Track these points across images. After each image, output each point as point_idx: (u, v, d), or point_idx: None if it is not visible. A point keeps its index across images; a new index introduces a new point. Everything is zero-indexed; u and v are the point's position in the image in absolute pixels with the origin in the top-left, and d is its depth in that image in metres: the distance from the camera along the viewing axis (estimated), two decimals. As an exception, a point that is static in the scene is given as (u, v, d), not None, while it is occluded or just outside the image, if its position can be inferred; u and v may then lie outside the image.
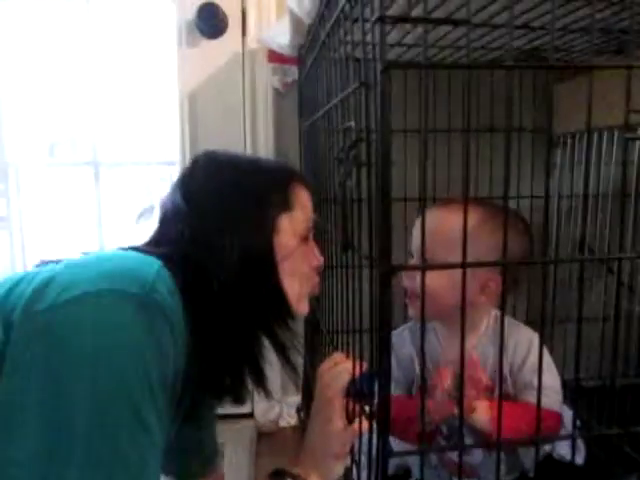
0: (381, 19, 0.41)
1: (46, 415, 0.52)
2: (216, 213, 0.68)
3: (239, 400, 0.74)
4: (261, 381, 0.73)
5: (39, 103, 1.39)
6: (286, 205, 0.72)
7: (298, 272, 0.71)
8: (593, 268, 1.23)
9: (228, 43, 1.24)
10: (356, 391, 0.67)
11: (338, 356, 0.72)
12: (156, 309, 0.56)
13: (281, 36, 0.98)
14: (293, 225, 0.72)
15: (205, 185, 0.71)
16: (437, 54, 1.12)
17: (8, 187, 1.33)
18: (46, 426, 0.52)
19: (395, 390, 0.87)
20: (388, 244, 0.42)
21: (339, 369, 0.68)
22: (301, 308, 0.74)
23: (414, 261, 0.85)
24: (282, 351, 0.73)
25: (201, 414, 0.84)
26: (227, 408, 1.10)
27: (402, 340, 0.91)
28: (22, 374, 0.53)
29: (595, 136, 1.13)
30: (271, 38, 1.06)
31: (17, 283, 0.59)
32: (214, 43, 1.24)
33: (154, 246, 0.69)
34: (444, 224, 0.77)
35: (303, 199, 0.74)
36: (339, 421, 0.67)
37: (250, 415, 1.41)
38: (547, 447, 0.87)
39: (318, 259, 0.75)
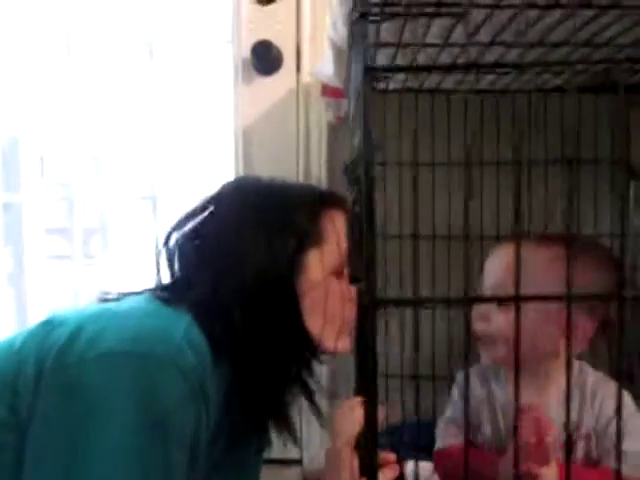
0: (363, 15, 0.36)
1: (66, 460, 0.54)
2: (233, 246, 0.66)
3: (285, 426, 0.74)
4: (283, 426, 0.71)
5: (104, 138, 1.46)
6: (315, 237, 0.68)
7: (324, 309, 0.67)
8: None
9: (283, 79, 1.24)
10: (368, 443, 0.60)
11: (355, 400, 0.66)
12: (177, 371, 0.57)
13: (327, 66, 0.96)
14: (324, 259, 0.68)
15: (226, 213, 0.69)
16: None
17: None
18: (55, 471, 0.54)
19: (458, 436, 0.83)
20: (373, 276, 0.37)
21: (351, 417, 0.62)
22: (335, 346, 0.70)
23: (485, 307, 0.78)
24: (305, 391, 0.71)
25: (245, 456, 0.83)
26: (275, 453, 1.08)
27: (472, 383, 0.86)
28: (47, 423, 0.56)
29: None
30: (320, 70, 1.05)
31: (60, 323, 0.61)
32: (269, 80, 1.24)
33: (180, 290, 0.69)
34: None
35: (338, 229, 0.70)
36: (346, 473, 0.61)
37: (298, 462, 1.36)
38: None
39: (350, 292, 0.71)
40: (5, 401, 0.58)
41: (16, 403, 0.57)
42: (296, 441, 0.74)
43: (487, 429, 0.81)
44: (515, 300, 0.43)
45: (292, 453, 1.31)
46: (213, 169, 1.38)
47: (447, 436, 0.87)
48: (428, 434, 1.17)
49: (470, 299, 0.43)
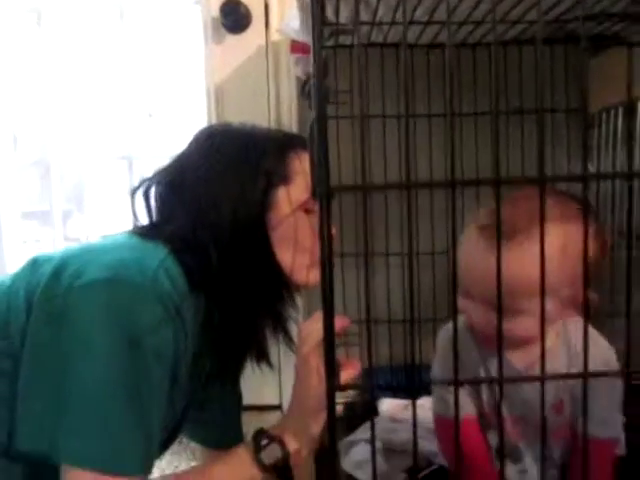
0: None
1: (52, 383, 0.60)
2: (207, 188, 0.70)
3: (262, 357, 0.77)
4: (261, 352, 0.75)
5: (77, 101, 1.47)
6: (283, 176, 0.72)
7: (293, 242, 0.71)
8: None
9: (252, 37, 1.27)
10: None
11: (318, 314, 0.71)
12: (154, 296, 0.61)
13: (294, 21, 0.99)
14: (292, 195, 0.72)
15: (199, 158, 0.73)
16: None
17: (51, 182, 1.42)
18: (51, 393, 0.60)
19: (465, 406, 0.74)
20: (326, 166, 0.41)
21: (314, 326, 0.67)
22: (306, 278, 0.74)
23: (476, 307, 0.68)
24: (277, 320, 0.74)
25: (223, 387, 0.89)
26: (254, 399, 1.14)
27: (463, 341, 0.75)
28: (37, 350, 0.61)
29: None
30: (287, 25, 1.07)
31: (45, 261, 0.66)
32: (238, 38, 1.27)
33: (159, 227, 0.72)
34: (524, 263, 0.61)
35: (304, 168, 0.74)
36: (314, 377, 0.66)
37: (278, 407, 1.41)
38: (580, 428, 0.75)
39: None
40: None
41: (9, 332, 0.62)
42: (271, 366, 0.78)
43: (485, 394, 0.76)
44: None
45: (271, 399, 1.38)
46: (187, 127, 1.41)
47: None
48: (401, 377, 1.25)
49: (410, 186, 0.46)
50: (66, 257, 0.65)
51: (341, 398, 1.26)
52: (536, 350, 0.67)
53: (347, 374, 0.67)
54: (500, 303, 0.45)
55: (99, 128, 1.46)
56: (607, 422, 0.71)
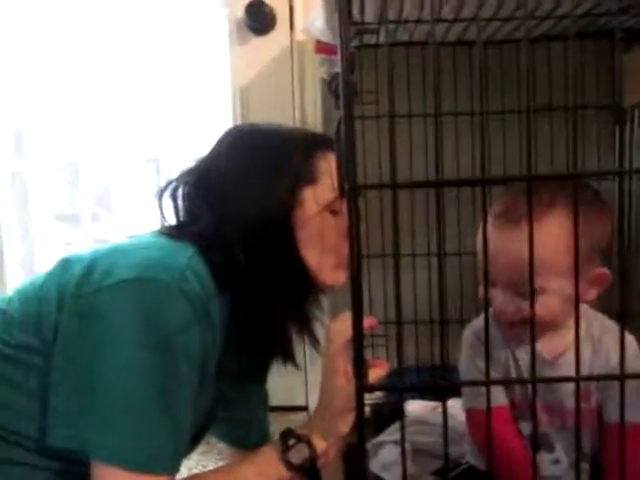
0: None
1: (85, 381, 0.60)
2: (233, 187, 0.70)
3: (288, 357, 0.77)
4: (287, 352, 0.75)
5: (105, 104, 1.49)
6: (309, 176, 0.72)
7: (319, 243, 0.71)
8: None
9: (277, 38, 1.27)
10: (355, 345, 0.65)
11: (345, 314, 0.71)
12: (182, 295, 0.61)
13: (318, 20, 0.99)
14: (318, 196, 0.72)
15: (226, 158, 0.73)
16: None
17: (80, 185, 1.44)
18: (83, 391, 0.60)
19: (497, 397, 0.73)
20: (353, 163, 0.41)
21: (342, 326, 0.67)
22: (332, 278, 0.74)
23: (500, 293, 0.70)
24: (302, 321, 0.74)
25: (250, 387, 0.89)
26: (281, 400, 1.14)
27: (490, 335, 0.75)
28: (69, 349, 0.62)
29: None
30: (312, 25, 1.07)
31: (77, 261, 0.67)
32: (263, 39, 1.27)
33: (186, 226, 0.73)
34: (547, 244, 0.64)
35: (331, 168, 0.73)
36: (341, 377, 0.65)
37: (305, 408, 1.40)
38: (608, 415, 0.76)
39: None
40: (31, 328, 0.64)
41: (41, 329, 0.63)
42: (297, 367, 0.77)
43: (516, 388, 0.77)
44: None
45: (298, 400, 1.38)
46: (212, 129, 1.42)
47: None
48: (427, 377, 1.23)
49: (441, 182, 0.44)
50: (96, 257, 0.66)
51: (368, 399, 1.25)
52: (563, 339, 0.74)
53: (375, 374, 0.66)
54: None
55: (126, 131, 1.48)
56: (637, 406, 0.68)
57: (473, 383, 0.73)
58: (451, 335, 1.09)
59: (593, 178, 1.12)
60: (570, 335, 0.73)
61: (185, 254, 0.64)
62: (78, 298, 0.62)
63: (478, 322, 0.81)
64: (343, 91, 0.47)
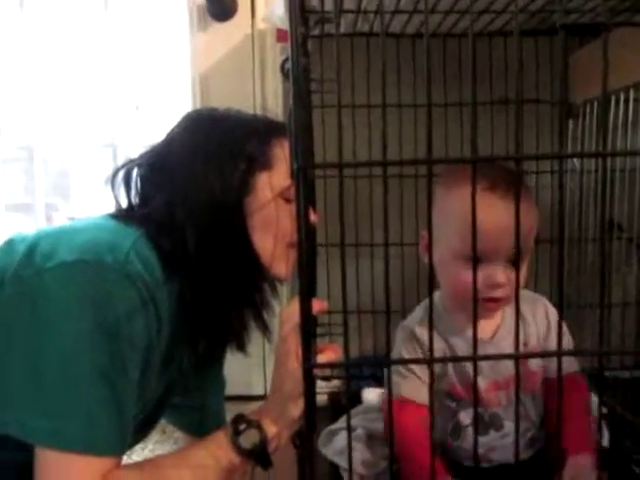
0: None
1: (24, 364, 0.59)
2: (186, 170, 0.69)
3: (241, 346, 0.77)
4: (238, 340, 0.74)
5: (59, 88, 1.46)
6: (264, 162, 0.72)
7: (273, 229, 0.71)
8: (622, 249, 1.16)
9: (238, 25, 1.25)
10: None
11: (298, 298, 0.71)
12: (125, 278, 0.60)
13: (278, 8, 0.99)
14: (272, 182, 0.72)
15: (181, 141, 0.72)
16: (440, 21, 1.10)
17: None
18: (22, 374, 0.59)
19: (420, 391, 0.74)
20: (306, 143, 0.41)
21: (294, 309, 0.67)
22: (278, 270, 0.73)
23: (491, 266, 0.70)
24: (253, 309, 0.73)
25: (206, 375, 0.90)
26: (240, 389, 1.13)
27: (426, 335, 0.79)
28: (8, 330, 0.60)
29: (613, 100, 1.06)
30: (272, 13, 1.07)
31: (20, 241, 0.66)
32: (224, 26, 1.26)
33: (135, 210, 0.71)
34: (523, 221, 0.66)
35: (287, 155, 0.73)
36: (293, 360, 0.66)
37: (263, 397, 1.38)
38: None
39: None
40: None
41: None
42: (245, 354, 0.77)
43: (454, 378, 0.78)
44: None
45: (256, 389, 1.38)
46: (171, 115, 1.40)
47: (410, 389, 0.76)
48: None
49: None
50: (39, 237, 0.64)
51: (326, 388, 1.26)
52: (496, 319, 0.78)
53: (326, 357, 0.67)
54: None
55: (82, 116, 1.45)
56: (571, 359, 0.79)
57: (415, 361, 0.74)
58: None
59: (532, 171, 1.18)
60: (497, 319, 0.79)
61: (131, 237, 0.63)
62: (19, 279, 0.61)
63: (412, 318, 0.83)
64: (292, 70, 0.47)
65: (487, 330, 0.79)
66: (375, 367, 1.19)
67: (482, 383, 0.77)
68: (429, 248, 0.66)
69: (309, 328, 0.47)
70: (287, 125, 0.75)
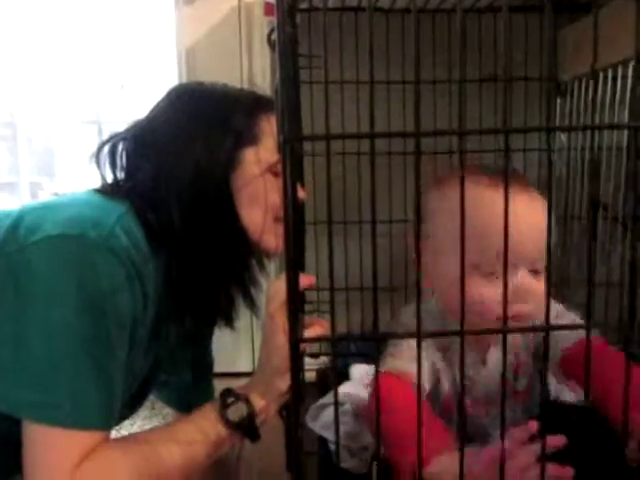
0: None
1: (9, 338, 0.58)
2: (172, 144, 0.68)
3: (229, 322, 0.77)
4: (226, 316, 0.74)
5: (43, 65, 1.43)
6: (251, 137, 0.71)
7: (261, 203, 0.70)
8: (608, 228, 1.17)
9: (225, -2, 1.24)
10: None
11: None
12: (110, 253, 0.59)
13: (265, -20, 0.97)
14: (259, 156, 0.71)
15: (167, 115, 0.71)
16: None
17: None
18: (8, 348, 0.58)
19: (409, 366, 0.67)
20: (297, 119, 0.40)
21: (281, 284, 0.67)
22: (267, 243, 0.73)
23: (523, 274, 0.61)
24: (241, 285, 0.73)
25: (194, 351, 0.89)
26: (228, 366, 1.14)
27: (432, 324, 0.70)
28: None
29: (601, 78, 1.06)
30: (259, -15, 1.05)
31: (5, 216, 0.65)
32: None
33: (120, 185, 0.71)
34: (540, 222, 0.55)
35: (275, 130, 0.72)
36: (280, 335, 0.66)
37: (250, 374, 1.40)
38: (552, 393, 0.81)
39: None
40: None
41: None
42: (232, 329, 0.77)
43: (445, 386, 0.74)
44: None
45: (245, 366, 1.38)
46: (157, 90, 1.38)
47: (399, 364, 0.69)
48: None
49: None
50: (24, 212, 0.63)
51: (314, 364, 1.27)
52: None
53: (313, 331, 0.67)
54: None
55: (66, 93, 1.42)
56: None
57: (406, 335, 0.71)
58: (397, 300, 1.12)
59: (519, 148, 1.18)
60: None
61: (117, 211, 0.62)
62: (3, 255, 0.60)
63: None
64: (279, 41, 0.46)
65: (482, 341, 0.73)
66: (364, 341, 1.20)
67: (468, 398, 0.74)
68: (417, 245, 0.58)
69: (296, 302, 0.47)
70: (274, 98, 0.75)
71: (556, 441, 0.44)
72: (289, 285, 0.46)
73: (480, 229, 0.56)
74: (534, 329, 0.65)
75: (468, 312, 0.57)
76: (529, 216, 0.59)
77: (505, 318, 0.43)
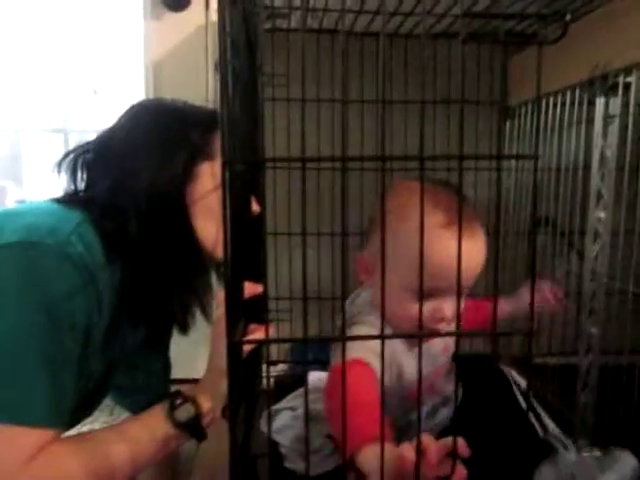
0: None
1: None
2: (130, 157, 0.71)
3: (183, 329, 0.79)
4: (181, 323, 0.77)
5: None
6: (208, 152, 0.74)
7: (215, 216, 0.73)
8: (555, 244, 1.24)
9: (192, 16, 1.28)
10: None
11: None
12: (66, 259, 0.62)
13: None
14: (214, 172, 0.75)
15: (127, 129, 0.74)
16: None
17: None
18: None
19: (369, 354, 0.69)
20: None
21: None
22: (221, 254, 0.76)
23: (443, 301, 0.71)
24: (194, 293, 0.76)
25: (151, 356, 0.92)
26: (187, 372, 1.16)
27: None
28: None
29: (543, 102, 1.13)
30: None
31: None
32: (178, 16, 1.28)
33: (79, 195, 0.73)
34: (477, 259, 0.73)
35: None
36: (224, 339, 0.69)
37: None
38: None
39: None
40: None
41: None
42: (187, 334, 0.80)
43: (408, 378, 0.78)
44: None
45: (202, 373, 1.40)
46: (124, 102, 1.40)
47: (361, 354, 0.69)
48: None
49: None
50: None
51: (272, 372, 1.31)
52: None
53: (256, 334, 0.70)
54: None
55: (34, 99, 1.44)
56: None
57: (369, 337, 0.73)
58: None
59: (472, 168, 1.25)
60: None
61: (74, 220, 0.65)
62: None
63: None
64: (221, 70, 0.51)
65: (441, 344, 0.82)
66: (328, 342, 1.23)
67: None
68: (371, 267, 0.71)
69: (235, 307, 0.51)
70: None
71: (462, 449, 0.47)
72: (227, 291, 0.50)
73: (428, 260, 0.61)
74: (447, 334, 0.74)
75: (401, 319, 0.73)
76: (470, 259, 0.71)
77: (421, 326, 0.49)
